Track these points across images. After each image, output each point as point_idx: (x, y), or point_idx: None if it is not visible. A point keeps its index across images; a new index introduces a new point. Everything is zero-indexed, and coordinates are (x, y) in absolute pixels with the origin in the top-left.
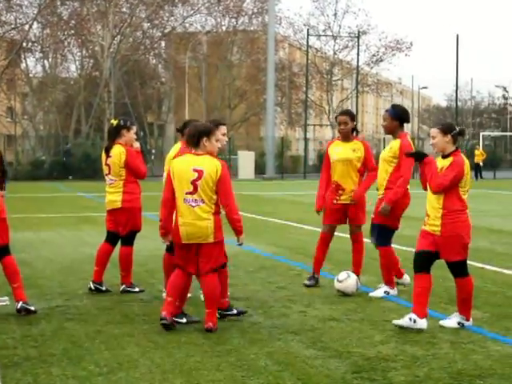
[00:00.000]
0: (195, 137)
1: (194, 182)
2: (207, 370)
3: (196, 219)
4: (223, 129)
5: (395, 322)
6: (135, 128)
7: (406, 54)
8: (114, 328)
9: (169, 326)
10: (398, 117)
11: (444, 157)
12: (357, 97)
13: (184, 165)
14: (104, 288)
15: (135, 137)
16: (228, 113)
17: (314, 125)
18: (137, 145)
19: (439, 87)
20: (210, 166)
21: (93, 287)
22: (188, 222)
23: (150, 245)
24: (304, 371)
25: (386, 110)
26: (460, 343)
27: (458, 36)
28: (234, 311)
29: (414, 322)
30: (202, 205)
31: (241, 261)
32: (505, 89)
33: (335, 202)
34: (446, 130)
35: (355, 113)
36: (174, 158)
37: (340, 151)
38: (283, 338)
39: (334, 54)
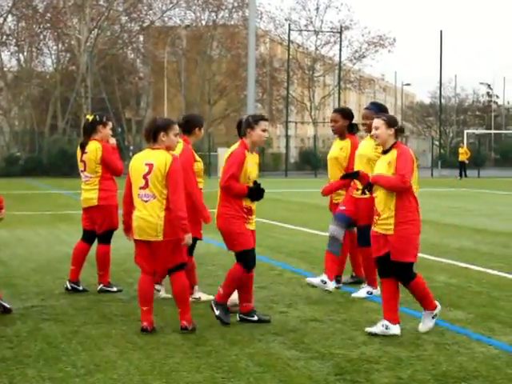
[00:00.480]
0: (152, 131)
1: (145, 176)
2: (186, 371)
3: (147, 215)
4: (263, 124)
5: (368, 329)
6: (111, 124)
7: (389, 50)
8: (91, 328)
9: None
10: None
11: (385, 152)
12: (339, 93)
13: (139, 159)
14: (81, 287)
15: (111, 133)
16: (207, 109)
17: (296, 122)
18: (113, 141)
19: (423, 84)
20: (160, 159)
21: (69, 287)
22: (140, 216)
23: (127, 243)
24: (286, 373)
25: (368, 108)
26: (444, 344)
27: (441, 32)
28: (255, 318)
29: (387, 328)
30: (153, 200)
31: (221, 260)
32: (489, 86)
33: (334, 200)
34: (390, 122)
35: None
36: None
37: (332, 149)
38: (264, 339)
39: (316, 49)
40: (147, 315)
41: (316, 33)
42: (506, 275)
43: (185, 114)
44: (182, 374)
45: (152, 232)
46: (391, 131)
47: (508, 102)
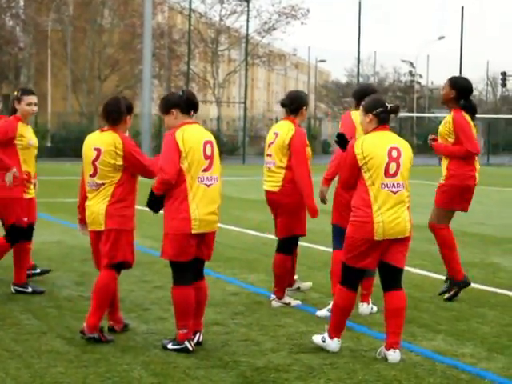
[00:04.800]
0: (122, 113)
1: (93, 163)
2: (72, 382)
3: (95, 203)
4: None
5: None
6: None
7: (301, 23)
8: None
9: None
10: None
11: None
12: (246, 70)
13: (88, 144)
14: None
15: None
16: (98, 85)
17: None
18: None
19: (339, 61)
20: (108, 142)
21: None
22: (89, 205)
23: None
24: (184, 383)
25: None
26: (360, 351)
27: (360, 3)
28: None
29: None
30: (102, 188)
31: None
32: (412, 64)
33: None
34: (367, 108)
35: (245, 87)
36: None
37: None
38: (160, 346)
39: (221, 20)
40: (114, 314)
41: (221, 1)
42: (430, 274)
43: (71, 90)
44: None
45: (96, 221)
46: (369, 117)
47: (432, 83)
